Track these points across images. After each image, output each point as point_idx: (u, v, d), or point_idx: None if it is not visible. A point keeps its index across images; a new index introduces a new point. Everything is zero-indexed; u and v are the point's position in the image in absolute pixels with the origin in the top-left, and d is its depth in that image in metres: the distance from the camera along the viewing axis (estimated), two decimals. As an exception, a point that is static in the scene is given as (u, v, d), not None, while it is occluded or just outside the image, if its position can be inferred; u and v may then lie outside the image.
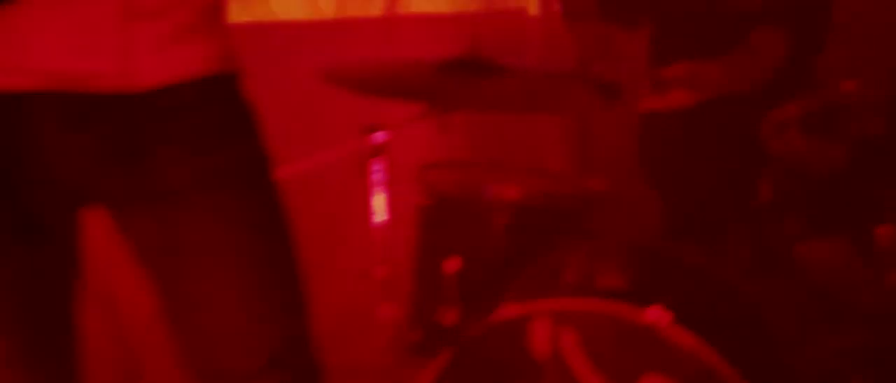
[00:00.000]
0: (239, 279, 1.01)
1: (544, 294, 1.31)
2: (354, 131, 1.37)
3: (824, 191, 1.33)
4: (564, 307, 1.27)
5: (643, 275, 1.37)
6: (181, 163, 0.97)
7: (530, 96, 1.59)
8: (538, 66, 1.92)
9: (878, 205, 1.27)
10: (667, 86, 1.48)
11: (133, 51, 0.92)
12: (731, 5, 1.58)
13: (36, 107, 0.92)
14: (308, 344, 1.08)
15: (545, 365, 1.25)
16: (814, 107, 1.28)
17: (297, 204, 1.07)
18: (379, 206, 1.36)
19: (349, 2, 2.31)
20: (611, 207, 1.51)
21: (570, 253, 1.42)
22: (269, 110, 1.06)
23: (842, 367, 1.30)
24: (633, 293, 1.28)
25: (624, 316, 1.23)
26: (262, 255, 1.02)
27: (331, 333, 1.21)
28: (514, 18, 2.22)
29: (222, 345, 1.04)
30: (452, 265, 1.39)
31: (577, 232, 1.50)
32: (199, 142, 0.98)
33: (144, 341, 2.53)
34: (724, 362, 1.17)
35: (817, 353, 1.33)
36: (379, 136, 1.34)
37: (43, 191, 0.97)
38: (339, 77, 1.50)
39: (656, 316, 1.20)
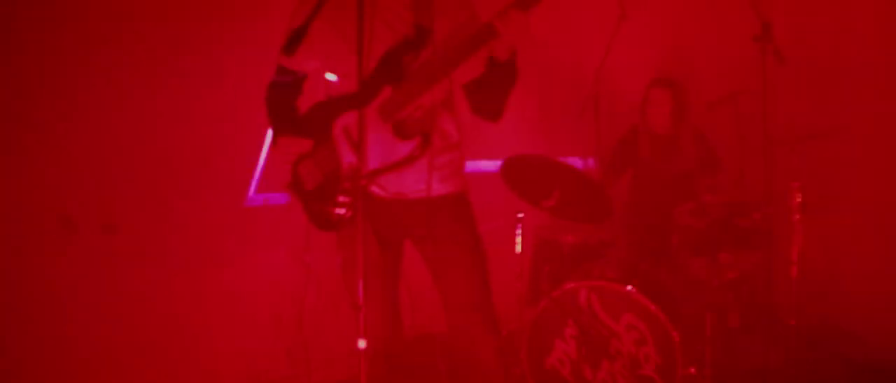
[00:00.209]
0: (465, 270, 2.55)
1: (584, 279, 3.18)
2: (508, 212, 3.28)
3: (697, 240, 3.21)
4: (593, 284, 3.13)
5: (626, 273, 3.23)
6: (449, 225, 2.60)
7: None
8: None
9: (719, 246, 3.14)
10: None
11: (441, 185, 2.61)
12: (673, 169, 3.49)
13: (396, 206, 2.55)
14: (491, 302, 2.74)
15: (584, 310, 3.12)
16: (694, 206, 3.18)
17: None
18: (518, 247, 3.24)
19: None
20: (610, 245, 3.41)
21: (596, 262, 3.30)
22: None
23: (708, 308, 3.15)
24: (622, 280, 3.14)
25: (617, 289, 3.09)
26: (475, 261, 2.39)
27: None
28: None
29: (461, 291, 2.34)
30: (547, 266, 3.31)
31: (598, 255, 3.39)
32: (456, 214, 2.55)
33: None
34: (656, 308, 3.02)
35: (692, 306, 3.19)
36: (520, 214, 3.24)
37: (391, 232, 2.45)
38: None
39: (630, 289, 3.06)
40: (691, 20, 4.48)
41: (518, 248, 3.17)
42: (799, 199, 3.37)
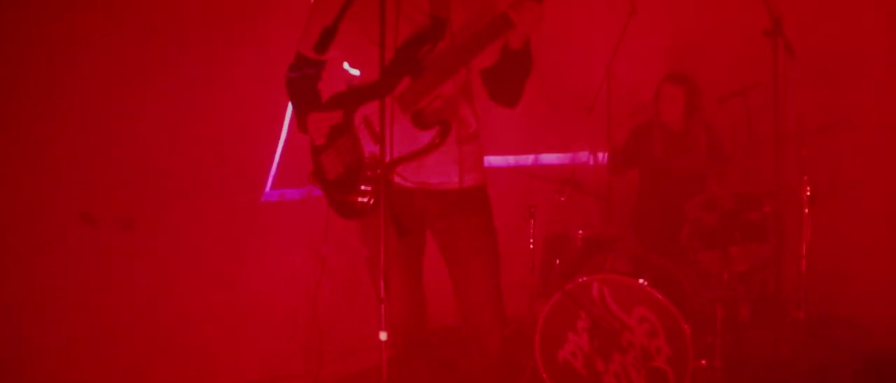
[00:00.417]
0: (481, 262, 2.58)
1: (596, 272, 3.22)
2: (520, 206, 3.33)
3: (707, 233, 3.25)
4: (605, 278, 3.18)
5: (637, 266, 3.27)
6: (469, 217, 2.63)
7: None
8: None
9: (729, 239, 3.19)
10: None
11: (462, 177, 2.69)
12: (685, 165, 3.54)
13: (414, 195, 2.41)
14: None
15: (596, 303, 3.17)
16: (704, 200, 3.22)
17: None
18: (532, 239, 3.30)
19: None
20: (620, 239, 3.46)
21: (607, 255, 3.35)
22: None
23: (719, 301, 3.20)
24: (634, 272, 3.18)
25: (629, 282, 3.14)
26: (490, 258, 2.40)
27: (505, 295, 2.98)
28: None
29: (474, 285, 2.39)
30: (558, 260, 3.36)
31: (610, 249, 3.44)
32: (475, 208, 2.59)
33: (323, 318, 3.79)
34: (668, 300, 3.06)
35: (703, 299, 3.24)
36: (533, 208, 3.29)
37: (412, 223, 2.40)
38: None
39: (642, 282, 3.11)
40: (702, 15, 4.51)
41: (531, 242, 3.22)
42: (808, 193, 3.41)
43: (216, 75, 3.48)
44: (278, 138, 3.89)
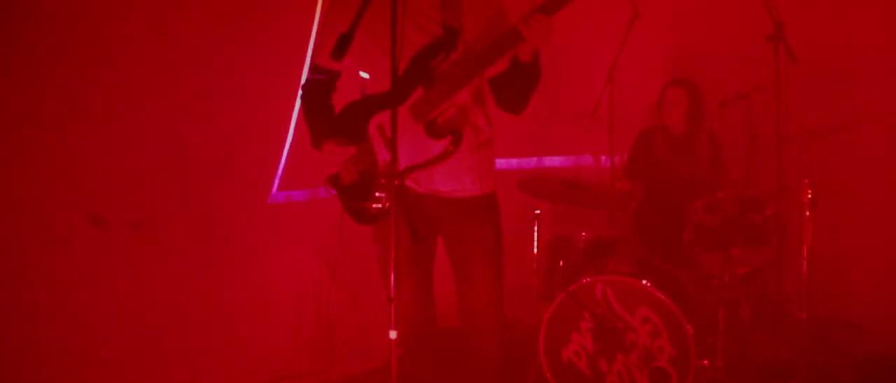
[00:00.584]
0: (487, 268, 2.65)
1: (600, 273, 3.26)
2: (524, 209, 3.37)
3: (710, 236, 3.29)
4: (609, 279, 3.22)
5: (640, 267, 3.31)
6: (478, 224, 2.78)
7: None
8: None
9: (731, 241, 3.22)
10: None
11: (473, 185, 2.76)
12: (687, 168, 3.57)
13: (427, 201, 2.45)
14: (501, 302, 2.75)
15: (600, 304, 3.20)
16: (706, 203, 3.26)
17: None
18: (535, 243, 3.34)
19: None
20: (623, 241, 3.50)
21: (610, 257, 3.39)
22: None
23: (721, 302, 3.23)
24: (637, 274, 3.22)
25: (633, 283, 3.17)
26: (494, 264, 2.42)
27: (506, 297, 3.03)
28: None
29: (477, 287, 2.43)
30: (561, 261, 3.39)
31: (612, 251, 3.48)
32: (485, 218, 2.76)
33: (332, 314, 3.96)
34: (671, 301, 3.10)
35: (705, 300, 3.27)
36: (537, 211, 3.33)
37: (424, 228, 2.48)
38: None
39: (646, 283, 3.14)
40: (704, 20, 4.54)
41: (535, 245, 3.26)
42: (809, 196, 3.45)
43: (224, 79, 3.53)
44: (285, 141, 3.93)
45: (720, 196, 3.32)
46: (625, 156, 4.19)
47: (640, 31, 4.11)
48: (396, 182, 2.00)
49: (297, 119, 3.89)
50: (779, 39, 3.41)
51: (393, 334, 2.03)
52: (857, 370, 3.48)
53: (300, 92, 2.50)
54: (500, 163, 4.86)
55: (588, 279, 3.20)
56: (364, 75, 2.37)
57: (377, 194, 2.27)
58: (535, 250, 3.45)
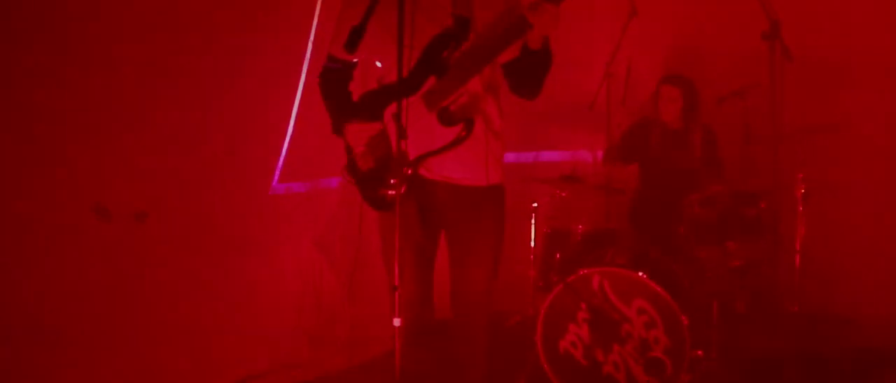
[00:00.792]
0: (486, 257, 2.70)
1: (597, 265, 3.31)
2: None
3: (705, 229, 3.35)
4: (605, 271, 3.27)
5: (636, 260, 3.37)
6: (482, 215, 2.79)
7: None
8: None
9: (726, 234, 3.28)
10: None
11: (483, 174, 2.77)
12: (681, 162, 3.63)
13: (437, 188, 2.47)
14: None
15: (597, 295, 3.25)
16: (702, 196, 3.32)
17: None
18: (533, 235, 3.39)
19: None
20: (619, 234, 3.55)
21: (607, 250, 3.44)
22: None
23: (715, 294, 3.29)
24: (633, 266, 3.27)
25: (629, 275, 3.23)
26: (495, 256, 2.46)
27: (502, 289, 3.07)
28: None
29: (472, 275, 2.46)
30: (558, 254, 3.45)
31: (609, 243, 3.53)
32: (491, 210, 2.76)
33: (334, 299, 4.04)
34: (666, 293, 3.15)
35: (700, 292, 3.33)
36: (535, 204, 3.38)
37: (433, 216, 2.45)
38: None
39: (641, 275, 3.20)
40: (701, 17, 4.59)
41: (532, 238, 3.31)
42: (802, 191, 3.51)
43: (226, 73, 3.57)
44: (285, 134, 3.97)
45: (715, 190, 3.38)
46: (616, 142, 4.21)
47: (637, 28, 4.16)
48: (409, 171, 2.04)
49: (298, 109, 3.92)
50: (775, 37, 3.46)
51: (397, 321, 2.07)
52: (848, 362, 3.54)
53: (319, 81, 2.55)
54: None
55: (585, 270, 3.25)
56: (377, 64, 2.41)
57: (392, 181, 2.31)
58: (533, 243, 3.51)
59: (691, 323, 3.10)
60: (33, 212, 3.05)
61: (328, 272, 3.93)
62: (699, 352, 3.24)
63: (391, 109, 2.35)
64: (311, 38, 3.90)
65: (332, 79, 2.52)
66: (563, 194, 3.56)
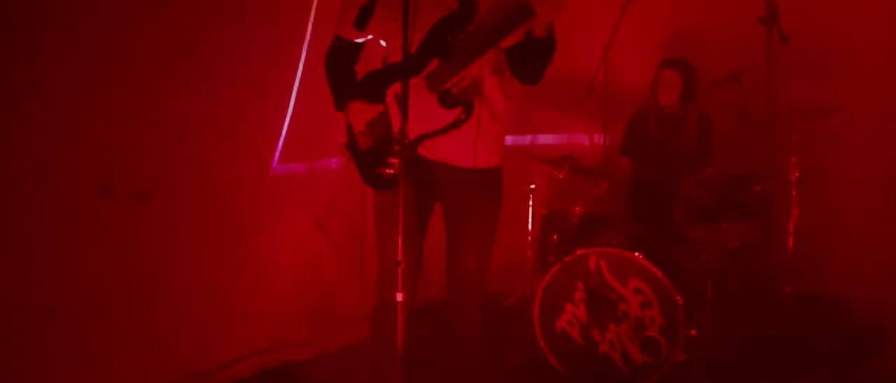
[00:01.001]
0: (480, 237, 2.78)
1: (593, 245, 3.36)
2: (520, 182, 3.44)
3: (700, 211, 3.40)
4: (602, 251, 3.32)
5: (633, 241, 3.42)
6: (479, 197, 2.85)
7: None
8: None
9: (721, 216, 3.33)
10: None
11: (480, 157, 2.85)
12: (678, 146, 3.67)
13: (435, 168, 2.54)
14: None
15: (593, 275, 3.31)
16: (698, 178, 3.37)
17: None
18: (530, 217, 3.44)
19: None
20: (616, 216, 3.60)
21: (603, 231, 3.49)
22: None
23: (709, 275, 3.35)
24: (629, 247, 3.32)
25: (625, 255, 3.28)
26: (490, 239, 2.57)
27: (499, 270, 3.08)
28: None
29: (467, 255, 2.54)
30: (555, 235, 3.50)
31: (606, 225, 3.58)
32: (486, 190, 2.87)
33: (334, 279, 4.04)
34: (661, 273, 3.21)
35: (694, 273, 3.39)
36: (533, 186, 3.42)
37: (426, 195, 2.52)
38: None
39: (637, 255, 3.25)
40: (698, 1, 4.62)
41: (529, 220, 3.35)
42: (796, 174, 3.56)
43: (227, 53, 3.56)
44: (285, 115, 3.99)
45: (711, 173, 3.43)
46: (618, 135, 4.27)
47: (635, 13, 4.19)
48: (406, 148, 2.07)
49: (298, 90, 3.94)
50: (772, 21, 3.50)
51: (399, 297, 2.12)
52: (839, 341, 3.61)
53: (324, 59, 2.59)
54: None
55: (582, 251, 3.30)
56: (382, 43, 2.44)
57: (390, 160, 2.35)
58: (530, 224, 3.55)
59: (686, 304, 3.16)
60: (32, 188, 3.04)
61: (328, 251, 3.96)
62: (693, 332, 3.30)
63: (393, 89, 2.38)
64: (312, 18, 3.90)
65: (338, 57, 2.56)
66: (561, 176, 3.60)
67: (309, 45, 3.91)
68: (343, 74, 2.55)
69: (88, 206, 3.25)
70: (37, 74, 3.07)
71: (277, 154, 3.97)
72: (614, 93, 4.45)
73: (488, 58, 2.35)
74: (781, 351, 3.48)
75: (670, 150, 3.98)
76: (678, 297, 3.14)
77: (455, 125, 2.27)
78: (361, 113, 2.43)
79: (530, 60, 2.34)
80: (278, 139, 3.97)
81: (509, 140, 5.06)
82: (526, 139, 5.14)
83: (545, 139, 5.16)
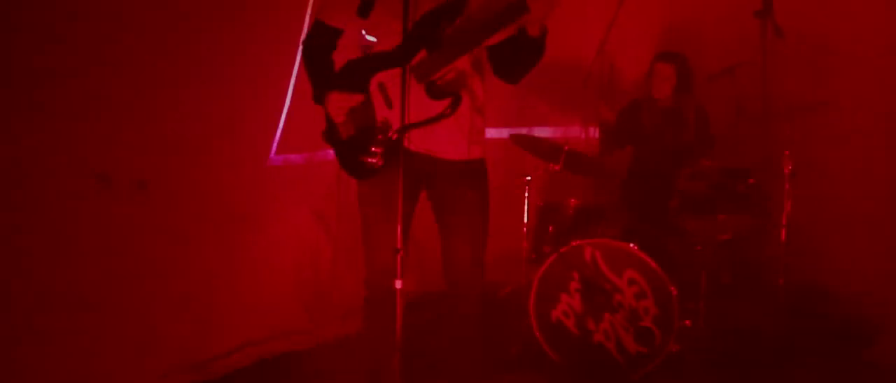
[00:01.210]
0: (471, 227, 2.76)
1: (588, 236, 3.39)
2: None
3: (695, 202, 3.43)
4: (597, 242, 3.35)
5: (628, 232, 3.45)
6: (466, 187, 2.86)
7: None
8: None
9: (715, 208, 3.37)
10: None
11: (466, 149, 2.88)
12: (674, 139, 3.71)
13: (423, 160, 2.51)
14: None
15: (589, 266, 3.34)
16: (692, 171, 3.40)
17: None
18: (526, 208, 3.47)
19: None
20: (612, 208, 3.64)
21: (599, 222, 3.53)
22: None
23: (703, 266, 3.39)
24: (624, 238, 3.35)
25: (620, 246, 3.31)
26: (482, 227, 2.66)
27: (495, 261, 3.13)
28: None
29: (462, 247, 2.55)
30: (551, 227, 3.53)
31: (601, 217, 3.61)
32: (472, 181, 2.88)
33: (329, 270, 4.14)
34: (654, 264, 3.24)
35: (688, 264, 3.43)
36: (528, 177, 3.45)
37: (412, 183, 2.60)
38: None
39: (632, 246, 3.28)
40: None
41: (525, 212, 3.38)
42: (789, 167, 3.60)
43: (226, 45, 3.57)
44: (283, 106, 4.01)
45: (706, 165, 3.46)
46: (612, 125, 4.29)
47: (630, 7, 4.21)
48: (396, 137, 2.09)
49: (295, 82, 3.96)
50: (767, 15, 3.53)
51: (398, 284, 2.15)
52: (831, 332, 3.66)
53: (301, 48, 2.59)
54: (491, 132, 4.98)
55: (577, 242, 3.33)
56: (371, 39, 2.45)
57: (373, 149, 2.36)
58: (526, 216, 3.58)
59: (680, 294, 3.19)
60: (37, 184, 3.05)
61: (325, 241, 3.99)
62: (687, 322, 3.34)
63: (377, 79, 2.38)
64: (309, 12, 3.92)
65: (318, 45, 2.55)
66: (557, 168, 3.63)
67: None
68: (323, 64, 2.54)
69: (88, 199, 3.27)
70: (37, 70, 3.07)
71: (275, 145, 4.00)
72: (611, 86, 4.47)
73: (471, 52, 2.36)
74: (774, 342, 3.52)
75: (665, 143, 4.01)
76: (672, 288, 3.17)
77: (442, 116, 2.26)
78: (342, 103, 2.42)
79: (518, 59, 2.34)
80: (276, 130, 3.99)
81: (506, 133, 5.12)
82: (522, 131, 5.16)
83: (541, 132, 5.19)
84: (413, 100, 2.29)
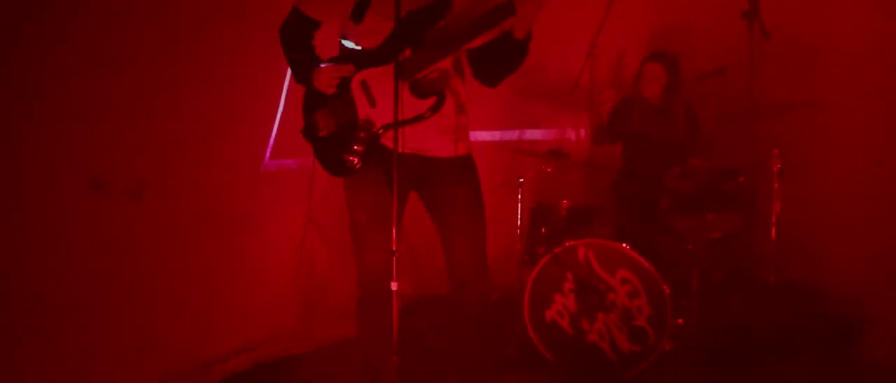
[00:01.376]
0: (469, 224, 2.78)
1: (581, 237, 3.43)
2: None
3: (685, 202, 3.48)
4: (590, 242, 3.39)
5: (620, 232, 3.49)
6: (457, 183, 2.84)
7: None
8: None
9: (705, 207, 3.41)
10: None
11: (452, 146, 2.87)
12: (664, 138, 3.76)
13: (411, 160, 2.48)
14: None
15: (582, 266, 3.37)
16: (682, 170, 3.45)
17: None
18: (519, 210, 3.50)
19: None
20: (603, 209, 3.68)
21: (591, 223, 3.56)
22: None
23: (695, 265, 3.43)
24: (616, 238, 3.39)
25: (613, 246, 3.35)
26: (479, 222, 2.67)
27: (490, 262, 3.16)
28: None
29: (461, 246, 2.56)
30: (544, 228, 3.56)
31: (593, 218, 3.65)
32: (462, 176, 2.84)
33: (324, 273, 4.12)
34: (647, 263, 3.28)
35: (680, 264, 3.47)
36: (521, 179, 3.48)
37: (400, 183, 2.75)
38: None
39: (625, 246, 3.32)
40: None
41: (519, 212, 3.41)
42: (778, 166, 3.65)
43: (221, 50, 3.59)
44: (276, 112, 4.03)
45: (695, 164, 3.51)
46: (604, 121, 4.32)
47: (619, 8, 4.25)
48: (381, 131, 2.08)
49: (288, 88, 3.98)
50: (754, 16, 3.58)
51: (394, 285, 2.17)
52: (821, 330, 3.70)
53: (280, 32, 2.58)
54: (483, 135, 5.02)
55: (571, 242, 3.37)
56: (349, 44, 2.44)
57: (355, 147, 2.36)
58: (519, 217, 3.61)
59: (673, 293, 3.23)
60: (35, 186, 3.06)
61: (320, 245, 4.00)
62: (680, 321, 3.38)
63: (359, 76, 2.38)
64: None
65: (296, 31, 2.54)
66: (549, 170, 3.67)
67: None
68: (303, 47, 2.53)
69: (86, 202, 3.27)
70: (35, 72, 3.08)
71: (269, 150, 4.01)
72: (600, 88, 4.52)
73: (451, 55, 2.37)
74: (765, 339, 3.57)
75: (654, 142, 4.06)
76: (665, 287, 3.21)
77: (426, 115, 2.26)
78: (333, 73, 2.37)
79: (501, 61, 2.34)
80: (269, 136, 4.01)
81: (498, 135, 5.15)
82: (513, 134, 5.20)
83: (533, 134, 5.23)
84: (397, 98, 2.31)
